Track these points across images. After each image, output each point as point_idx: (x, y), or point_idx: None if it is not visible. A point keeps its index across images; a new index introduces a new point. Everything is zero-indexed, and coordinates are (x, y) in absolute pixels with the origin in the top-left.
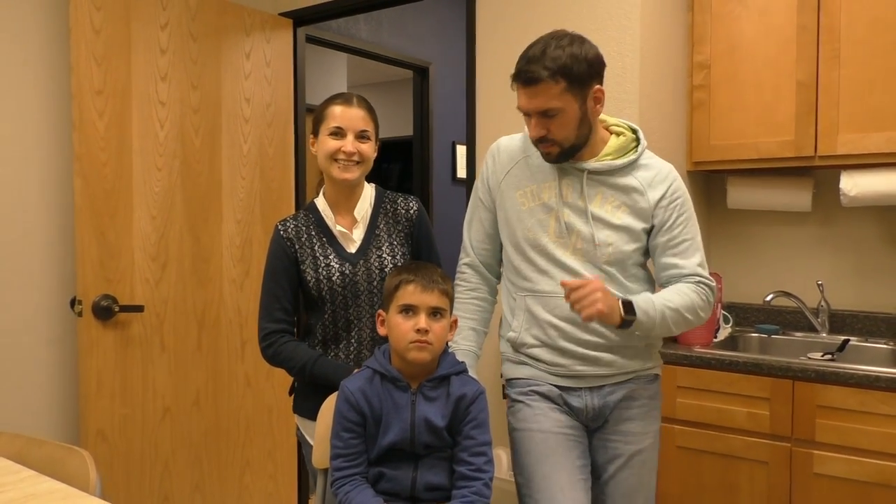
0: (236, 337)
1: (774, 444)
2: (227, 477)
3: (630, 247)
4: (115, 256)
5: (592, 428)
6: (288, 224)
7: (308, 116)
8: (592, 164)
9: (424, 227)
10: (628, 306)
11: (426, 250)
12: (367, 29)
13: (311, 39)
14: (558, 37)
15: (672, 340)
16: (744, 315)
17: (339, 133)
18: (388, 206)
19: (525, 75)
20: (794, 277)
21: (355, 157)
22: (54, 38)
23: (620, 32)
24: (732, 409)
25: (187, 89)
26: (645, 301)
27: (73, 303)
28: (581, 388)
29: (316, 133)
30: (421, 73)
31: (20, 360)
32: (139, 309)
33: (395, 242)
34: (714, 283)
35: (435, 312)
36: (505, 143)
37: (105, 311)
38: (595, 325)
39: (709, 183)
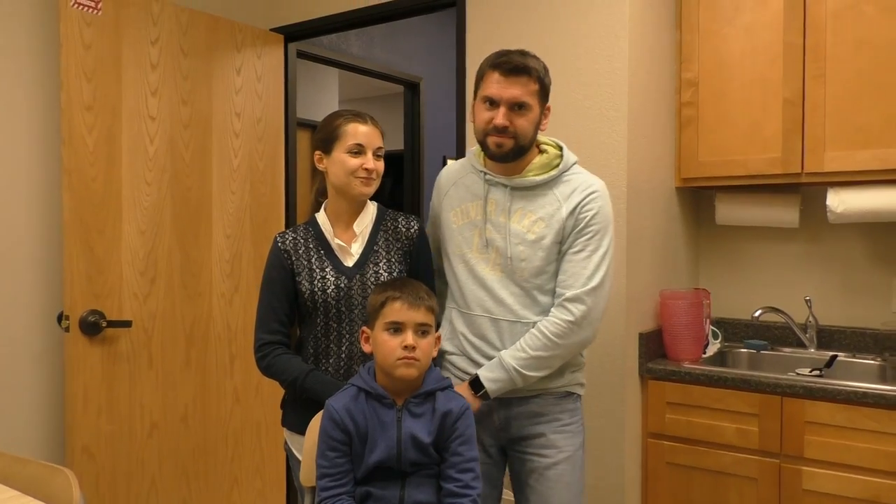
0: (225, 352)
1: (763, 461)
2: (215, 493)
3: (543, 263)
4: (104, 271)
5: (505, 440)
6: (287, 236)
7: (299, 130)
8: (516, 180)
9: (424, 248)
10: (475, 383)
11: (423, 271)
12: (359, 44)
13: (302, 55)
14: (530, 52)
15: (660, 356)
16: (732, 330)
17: (360, 151)
18: (389, 224)
19: (512, 64)
20: (783, 293)
21: (374, 174)
22: (44, 53)
23: (609, 50)
24: (721, 425)
25: (177, 104)
26: (490, 369)
27: (60, 318)
28: (489, 399)
29: (327, 150)
30: (411, 89)
31: (5, 375)
32: (127, 324)
33: (393, 259)
34: (587, 299)
35: (421, 329)
36: (446, 169)
37: (92, 326)
38: (500, 345)
39: (697, 199)
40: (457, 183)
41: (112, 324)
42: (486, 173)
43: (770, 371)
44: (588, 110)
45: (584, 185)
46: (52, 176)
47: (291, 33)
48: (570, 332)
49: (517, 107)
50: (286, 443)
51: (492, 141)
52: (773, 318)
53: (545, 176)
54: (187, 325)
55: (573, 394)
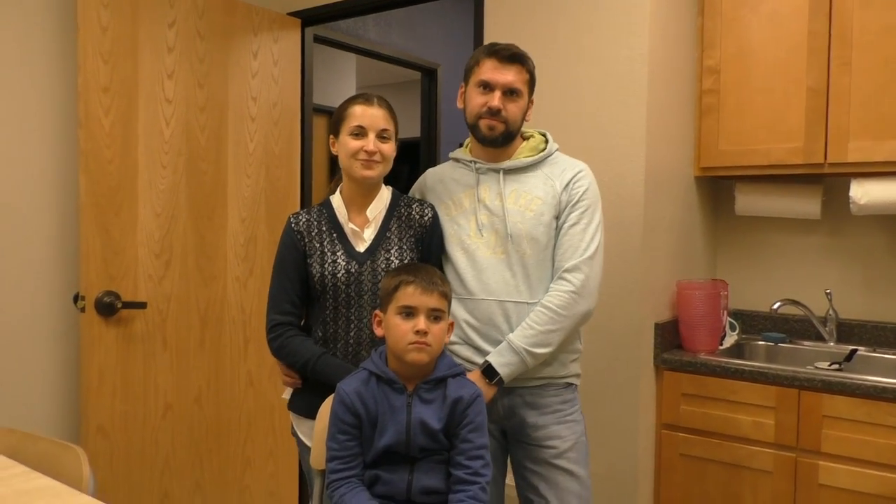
0: (239, 335)
1: (779, 454)
2: (227, 475)
3: (546, 239)
4: (119, 253)
5: (508, 430)
6: (300, 217)
7: (316, 116)
8: (507, 162)
9: (437, 235)
10: (488, 370)
11: (435, 259)
12: (376, 30)
13: (319, 39)
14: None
15: (676, 347)
16: (750, 322)
17: (360, 132)
18: (403, 210)
19: (509, 52)
20: (802, 286)
21: (376, 157)
22: (62, 35)
23: (629, 36)
24: (737, 418)
25: (194, 87)
26: (500, 354)
27: (76, 299)
28: (503, 385)
29: (336, 133)
30: (429, 75)
31: (23, 355)
32: (142, 306)
33: (405, 246)
34: (584, 267)
35: (434, 314)
36: (430, 171)
37: (108, 307)
38: (507, 329)
39: (717, 189)
40: (444, 179)
41: (127, 305)
42: (475, 162)
43: (788, 364)
44: (607, 97)
45: (571, 165)
46: (69, 158)
47: (308, 17)
48: (573, 301)
49: (510, 92)
50: (293, 427)
51: (484, 124)
52: (792, 310)
53: (535, 157)
54: (202, 307)
55: (572, 384)
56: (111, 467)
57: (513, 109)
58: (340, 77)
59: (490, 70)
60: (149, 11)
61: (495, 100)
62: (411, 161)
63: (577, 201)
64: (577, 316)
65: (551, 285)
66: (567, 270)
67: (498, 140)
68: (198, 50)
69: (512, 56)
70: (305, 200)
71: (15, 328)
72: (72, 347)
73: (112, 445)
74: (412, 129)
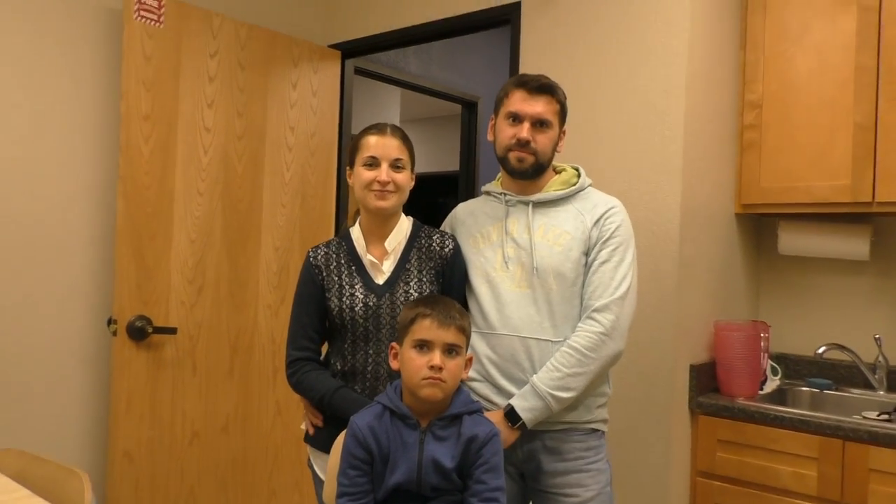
0: (269, 364)
1: None
2: None
3: (573, 275)
4: (153, 278)
5: (527, 475)
6: (319, 251)
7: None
8: (537, 196)
9: (458, 267)
10: (511, 414)
11: (456, 292)
12: (417, 62)
13: (359, 71)
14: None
15: (713, 390)
16: (794, 367)
17: (373, 163)
18: (423, 241)
19: (538, 83)
20: (850, 330)
21: (390, 187)
22: (107, 63)
23: (666, 68)
24: (777, 468)
25: (233, 116)
26: (524, 398)
27: (109, 322)
28: (527, 430)
29: (352, 164)
30: (469, 108)
31: (56, 375)
32: (172, 331)
33: (425, 279)
34: (615, 308)
35: (450, 349)
36: (461, 206)
37: (139, 331)
38: (529, 367)
39: (759, 227)
40: (474, 212)
41: (158, 330)
42: (505, 194)
43: (834, 413)
44: (642, 130)
45: (603, 201)
46: (109, 183)
47: (348, 49)
48: (602, 343)
49: (539, 124)
50: (309, 460)
51: (513, 156)
52: (838, 355)
53: (566, 191)
54: (232, 335)
55: (598, 430)
56: (136, 494)
57: (542, 141)
58: (384, 110)
59: (519, 101)
60: (192, 42)
61: (524, 131)
62: (450, 194)
63: (609, 238)
64: (606, 358)
65: (579, 325)
66: (596, 310)
67: (528, 172)
68: (238, 80)
69: (541, 87)
70: (339, 230)
71: (48, 350)
72: (103, 371)
73: (137, 471)
74: (454, 163)
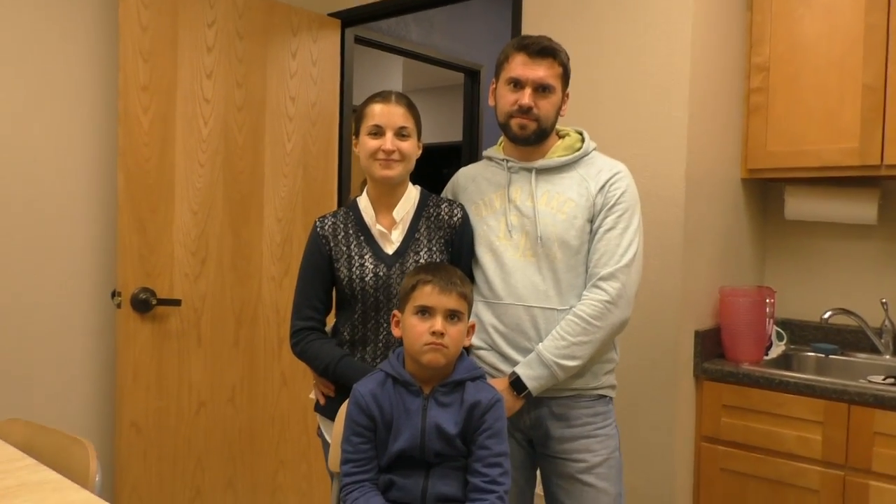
0: (273, 335)
1: (827, 472)
2: (260, 474)
3: (578, 243)
4: (155, 250)
5: (535, 442)
6: (326, 221)
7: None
8: (540, 162)
9: (467, 236)
10: (516, 383)
11: (465, 261)
12: (418, 31)
13: (360, 40)
14: (551, 38)
15: (718, 356)
16: (799, 333)
17: (378, 132)
18: (432, 211)
19: (539, 45)
20: (856, 294)
21: (395, 156)
22: (104, 34)
23: (670, 30)
24: (781, 432)
25: (232, 87)
26: (530, 366)
27: (113, 294)
28: (532, 398)
29: (357, 133)
30: (471, 76)
31: (61, 349)
32: (176, 303)
33: (435, 248)
34: (621, 275)
35: (452, 315)
36: (462, 171)
37: (143, 304)
38: (535, 336)
39: (765, 192)
40: (476, 178)
41: (162, 302)
42: (507, 160)
43: (839, 377)
44: (645, 95)
45: (608, 166)
46: (109, 156)
47: (348, 18)
48: (608, 312)
49: (542, 89)
50: (319, 428)
51: (515, 123)
52: (844, 320)
53: (570, 157)
54: (236, 306)
55: (606, 396)
56: (144, 463)
57: (545, 106)
58: (386, 80)
59: (520, 66)
60: (189, 11)
61: (525, 97)
62: (454, 165)
63: (614, 204)
64: (612, 327)
65: (585, 293)
66: (602, 278)
67: (530, 139)
68: (237, 50)
69: (542, 50)
70: (343, 201)
71: (54, 324)
72: (109, 343)
73: (145, 442)
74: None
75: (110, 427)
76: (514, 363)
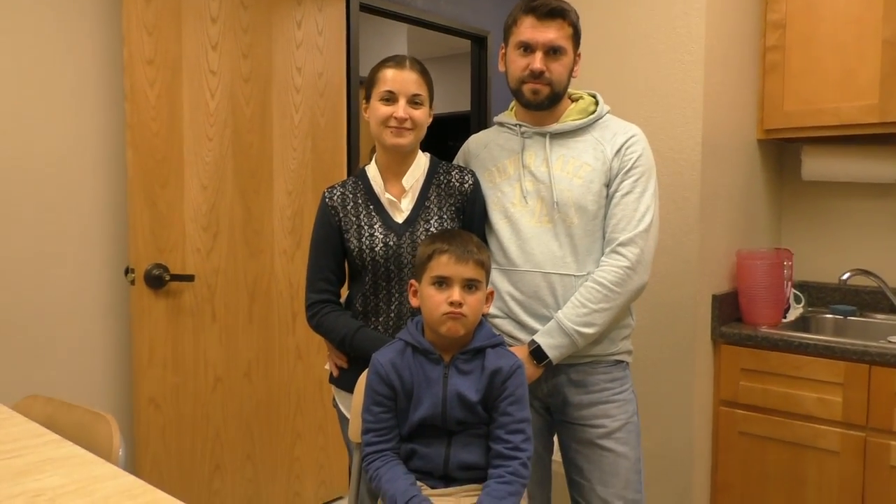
0: (287, 309)
1: (847, 433)
2: (277, 448)
3: (595, 207)
4: (167, 226)
5: (553, 409)
6: (335, 191)
7: (363, 87)
8: (554, 126)
9: (479, 203)
10: (536, 352)
11: (477, 228)
12: None
13: (365, 8)
14: None
15: (735, 320)
16: (817, 295)
17: (390, 98)
18: (442, 178)
19: (548, 7)
20: (875, 255)
21: (407, 124)
22: (107, 8)
23: None
24: (801, 395)
25: (238, 58)
26: (550, 334)
27: (126, 271)
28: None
29: (368, 98)
30: (479, 43)
31: (78, 326)
32: (190, 279)
33: (446, 216)
34: (640, 241)
35: (470, 284)
36: (473, 137)
37: (156, 280)
38: (553, 303)
39: (782, 152)
40: (488, 145)
41: (175, 277)
42: (520, 125)
43: (858, 339)
44: (660, 55)
45: (623, 129)
46: (117, 132)
47: None
48: (628, 277)
49: (553, 51)
50: (334, 399)
51: (528, 88)
52: (863, 281)
53: (584, 120)
54: (249, 280)
55: (622, 362)
56: (163, 439)
57: (557, 69)
58: (391, 48)
59: (529, 29)
60: None
61: (537, 62)
62: (461, 135)
63: (631, 168)
64: (631, 292)
65: (604, 259)
66: (621, 244)
67: (543, 104)
68: (241, 20)
69: (551, 11)
70: (352, 173)
71: (69, 302)
72: (124, 320)
73: (164, 417)
74: (464, 103)
75: (128, 404)
76: (532, 331)
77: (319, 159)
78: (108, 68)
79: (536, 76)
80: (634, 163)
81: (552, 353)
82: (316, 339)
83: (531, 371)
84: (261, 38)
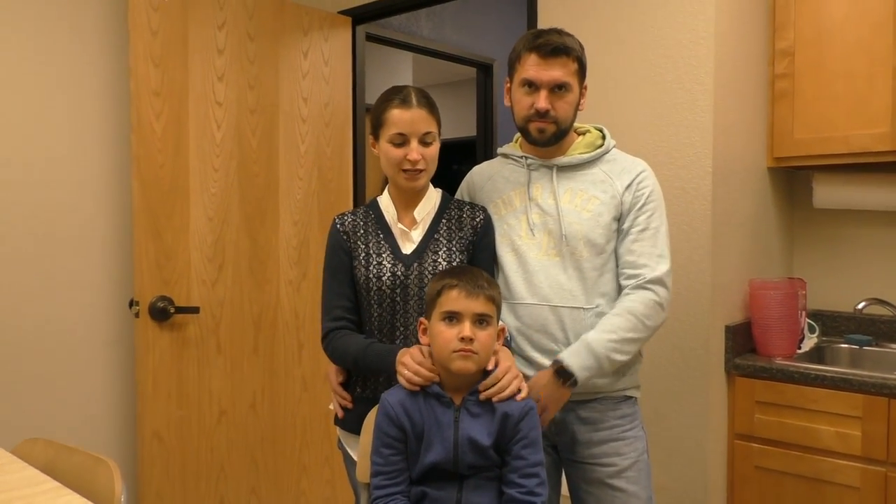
0: (293, 340)
1: (867, 468)
2: (283, 481)
3: (604, 241)
4: (172, 258)
5: (561, 447)
6: (346, 218)
7: (370, 116)
8: (562, 159)
9: (489, 238)
10: (563, 373)
11: (485, 263)
12: (429, 26)
13: (371, 38)
14: (563, 30)
15: (749, 351)
16: (832, 324)
17: (402, 141)
18: (454, 213)
19: (551, 45)
20: (889, 283)
21: (420, 164)
22: (114, 40)
23: (693, 18)
24: (818, 428)
25: (244, 89)
26: (578, 355)
27: (131, 304)
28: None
29: (376, 136)
30: (484, 71)
31: (80, 360)
32: (195, 310)
33: (455, 248)
34: (667, 281)
35: (480, 320)
36: (477, 168)
37: (161, 312)
38: (562, 337)
39: (792, 180)
40: (493, 177)
41: (180, 310)
42: (527, 158)
43: (874, 370)
44: (669, 84)
45: (631, 164)
46: (122, 163)
47: (359, 15)
48: (657, 314)
49: (558, 88)
50: (339, 441)
51: (534, 127)
52: (878, 310)
53: (591, 154)
54: (255, 312)
55: (631, 398)
56: (167, 473)
57: (563, 107)
58: (397, 76)
59: (533, 67)
60: (198, 14)
61: (542, 100)
62: (467, 161)
63: (644, 204)
64: (655, 329)
65: (634, 291)
66: (651, 282)
67: (550, 141)
68: (248, 51)
69: (555, 50)
70: (358, 202)
71: (72, 335)
72: (127, 353)
73: (168, 451)
74: (469, 129)
75: (132, 438)
76: (539, 366)
77: (325, 189)
78: (115, 100)
79: (542, 115)
80: (648, 197)
81: (581, 375)
82: (322, 371)
83: (559, 393)
84: (267, 69)
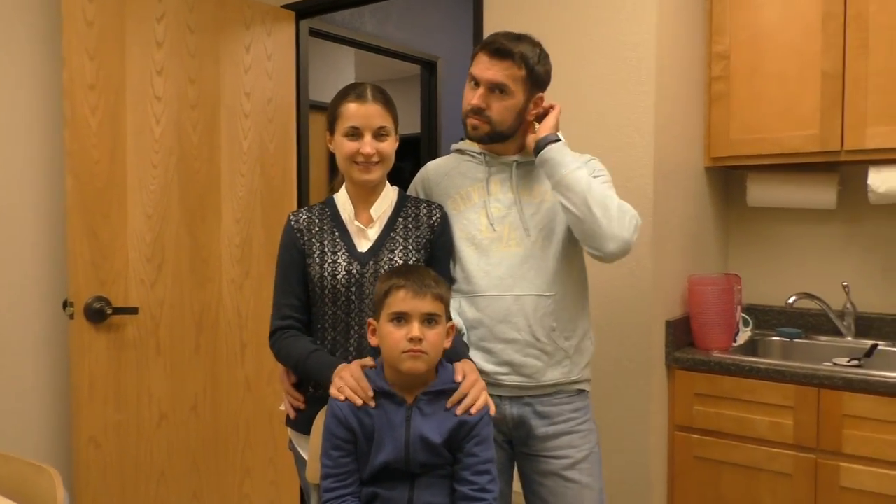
0: (236, 339)
1: (799, 456)
2: (226, 484)
3: (560, 227)
4: (109, 257)
5: (516, 441)
6: (300, 215)
7: (313, 112)
8: (520, 157)
9: (446, 236)
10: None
11: (443, 262)
12: (373, 22)
13: (314, 33)
14: (531, 37)
15: (688, 345)
16: (764, 318)
17: (355, 133)
18: (410, 211)
19: (496, 45)
20: (818, 278)
21: (374, 158)
22: (46, 30)
23: (636, 23)
24: (753, 418)
25: (184, 84)
26: (562, 151)
27: (64, 305)
28: (502, 397)
29: (332, 130)
30: (428, 68)
31: (10, 364)
32: (133, 311)
33: (411, 247)
34: (638, 220)
35: (429, 319)
36: (432, 164)
37: (98, 313)
38: (524, 325)
39: (728, 179)
40: (449, 173)
41: (118, 311)
42: (484, 154)
43: (804, 361)
44: (612, 85)
45: (581, 156)
46: (55, 159)
47: (302, 9)
48: (629, 217)
49: (497, 89)
50: (291, 442)
51: (469, 123)
52: (807, 304)
53: None
54: (196, 311)
55: (584, 391)
56: (104, 479)
57: (497, 108)
58: (339, 72)
59: (479, 65)
60: (136, 5)
61: (476, 97)
62: (412, 158)
63: (597, 176)
64: (619, 219)
65: None
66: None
67: (483, 139)
68: (188, 45)
69: (499, 51)
70: (302, 200)
71: (1, 337)
72: (62, 356)
73: (105, 457)
74: (413, 125)
75: (67, 443)
76: (499, 358)
77: (269, 186)
78: (47, 93)
79: (476, 111)
80: (599, 170)
81: (553, 147)
82: (266, 370)
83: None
84: (208, 64)
